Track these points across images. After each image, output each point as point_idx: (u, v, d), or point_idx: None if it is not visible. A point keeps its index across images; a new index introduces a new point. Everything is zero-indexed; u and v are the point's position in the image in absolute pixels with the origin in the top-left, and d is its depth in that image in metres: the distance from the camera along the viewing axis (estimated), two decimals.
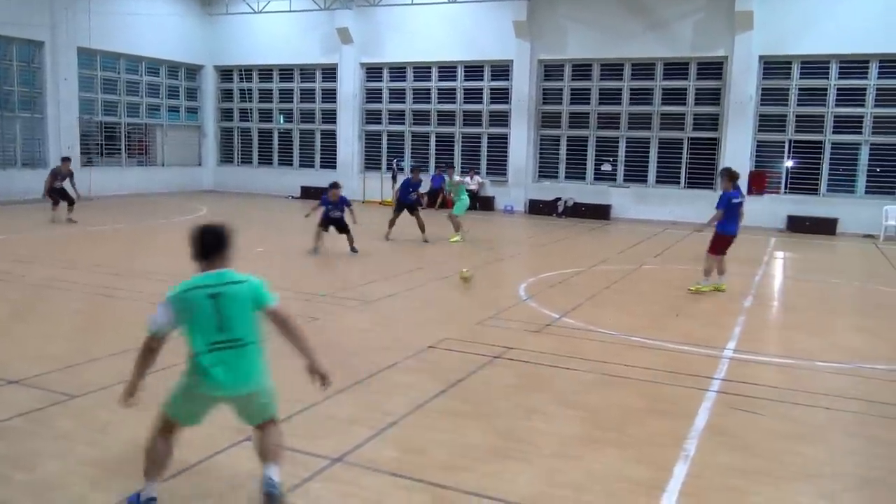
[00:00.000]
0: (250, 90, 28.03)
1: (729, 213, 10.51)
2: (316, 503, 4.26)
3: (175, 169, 26.94)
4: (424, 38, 24.28)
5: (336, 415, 5.64)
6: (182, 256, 13.86)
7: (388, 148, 25.92)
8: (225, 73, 28.45)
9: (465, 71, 24.47)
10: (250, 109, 28.14)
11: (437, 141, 25.18)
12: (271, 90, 27.63)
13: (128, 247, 14.24)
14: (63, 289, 9.85)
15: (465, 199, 16.64)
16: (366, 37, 25.04)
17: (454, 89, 24.70)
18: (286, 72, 27.25)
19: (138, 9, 24.36)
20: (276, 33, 26.48)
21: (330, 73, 26.34)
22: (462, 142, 24.87)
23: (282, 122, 27.79)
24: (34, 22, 21.50)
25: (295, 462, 4.74)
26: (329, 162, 26.64)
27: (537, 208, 23.33)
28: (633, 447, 5.20)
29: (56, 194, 16.74)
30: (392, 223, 15.89)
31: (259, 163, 28.29)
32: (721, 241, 10.68)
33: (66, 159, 17.41)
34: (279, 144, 27.81)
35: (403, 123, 25.60)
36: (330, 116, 26.61)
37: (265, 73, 27.65)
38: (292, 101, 27.34)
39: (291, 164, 27.59)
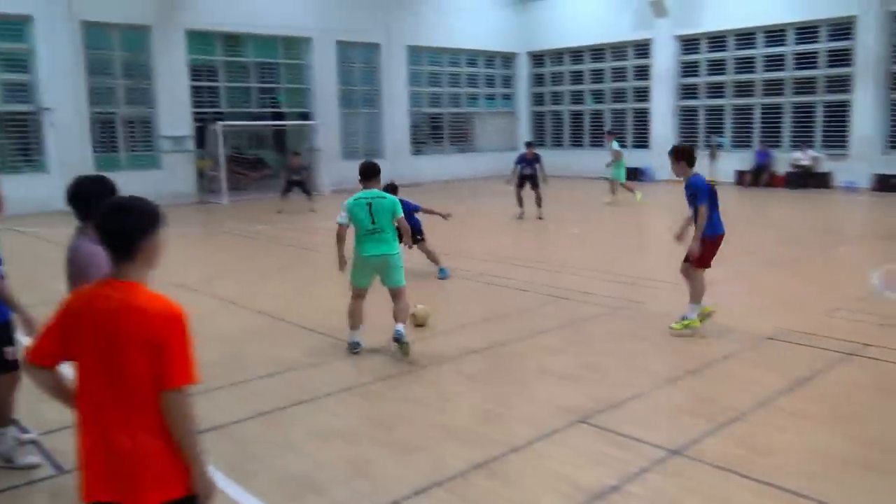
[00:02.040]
0: (561, 73, 28.38)
1: (713, 206, 7.14)
2: (657, 495, 4.11)
3: (491, 154, 28.28)
4: (747, 3, 22.38)
5: (669, 404, 5.42)
6: (496, 237, 14.52)
7: (705, 124, 24.48)
8: (537, 59, 29.14)
9: (797, 33, 22.10)
10: (562, 92, 28.50)
11: (762, 113, 23.15)
12: (582, 71, 27.67)
13: (451, 228, 15.24)
14: (405, 266, 10.81)
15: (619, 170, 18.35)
16: (681, 8, 23.82)
17: (782, 55, 22.45)
18: (597, 52, 27.06)
19: (459, 4, 25.92)
20: (586, 14, 26.38)
21: (642, 49, 25.57)
22: (792, 112, 22.56)
23: (591, 103, 27.71)
24: (371, 27, 23.98)
25: (629, 449, 4.64)
26: (642, 141, 25.96)
27: (888, 184, 20.25)
28: None
29: (290, 186, 17.84)
30: (520, 201, 15.82)
31: (570, 145, 28.56)
32: (712, 248, 7.18)
33: (296, 154, 18.85)
34: (590, 126, 27.78)
35: (723, 96, 23.94)
36: (642, 94, 25.87)
37: (576, 54, 27.76)
38: (603, 82, 27.10)
39: (602, 145, 27.39)
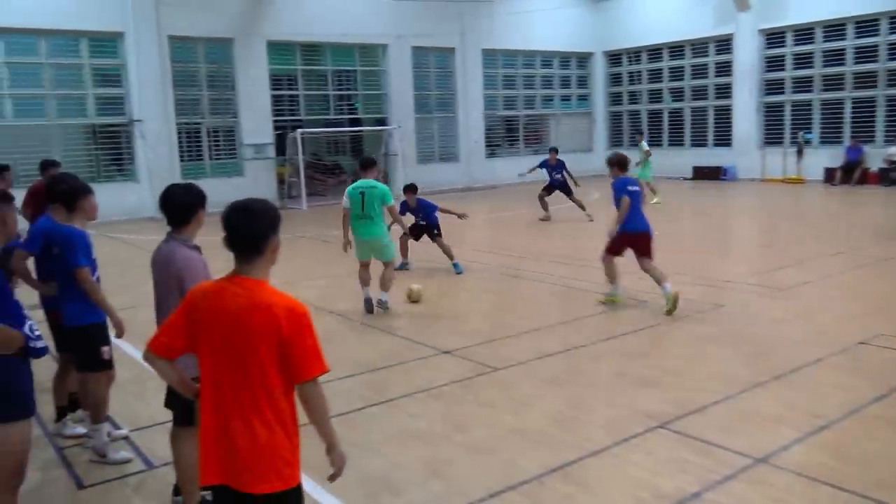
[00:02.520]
0: (639, 72, 27.84)
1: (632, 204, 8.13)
2: None
3: (567, 155, 27.77)
4: None
5: (755, 410, 5.22)
6: (579, 240, 14.34)
7: (791, 120, 23.55)
8: (614, 58, 28.67)
9: (890, 23, 21.01)
10: (639, 91, 27.95)
11: (853, 107, 22.11)
12: (660, 69, 27.06)
13: (530, 231, 15.17)
14: (477, 270, 10.83)
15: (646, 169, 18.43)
16: (765, 1, 22.99)
17: (875, 46, 21.39)
18: (676, 49, 26.41)
19: (533, 6, 25.76)
20: (665, 11, 25.77)
21: (724, 44, 24.81)
22: (886, 105, 21.46)
23: (669, 101, 27.06)
24: (446, 31, 24.11)
25: (712, 456, 4.50)
26: (723, 139, 25.18)
27: None
28: None
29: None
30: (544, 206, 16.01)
31: (648, 144, 27.91)
32: (623, 239, 8.25)
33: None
34: (669, 124, 27.14)
35: (811, 91, 22.98)
36: (724, 91, 25.10)
37: (654, 52, 27.17)
38: (682, 79, 26.43)
39: (682, 145, 26.73)
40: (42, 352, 3.53)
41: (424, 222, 10.88)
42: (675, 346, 6.87)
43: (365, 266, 8.45)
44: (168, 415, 4.01)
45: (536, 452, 4.65)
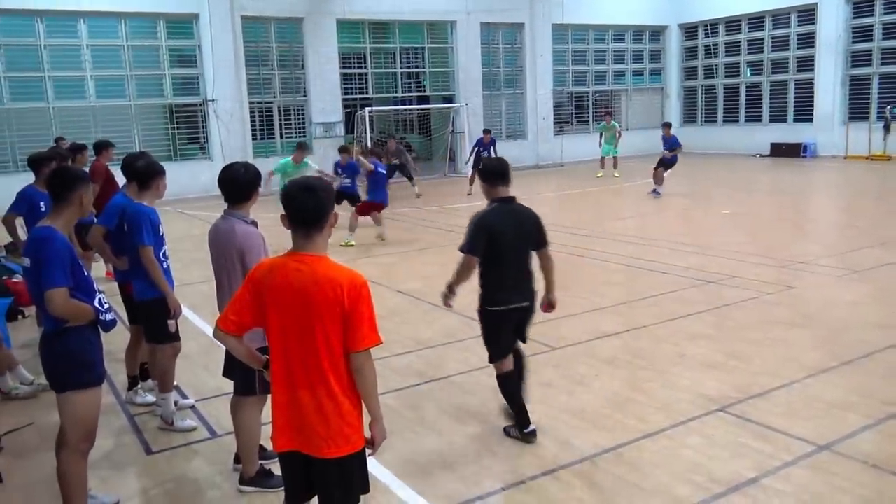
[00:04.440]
0: (716, 45, 26.88)
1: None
2: (801, 491, 3.85)
3: (638, 132, 27.28)
4: None
5: (821, 396, 5.05)
6: (643, 218, 14.02)
7: (879, 93, 22.37)
8: (689, 31, 27.75)
9: None
10: (716, 65, 27.01)
11: None
12: (739, 42, 26.05)
13: (594, 209, 14.95)
14: None
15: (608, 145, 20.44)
16: None
17: None
18: (756, 20, 25.36)
19: None
20: None
21: (807, 15, 23.71)
22: None
23: (748, 75, 26.07)
24: (516, 6, 23.79)
25: (772, 441, 4.39)
26: (804, 114, 24.12)
27: None
28: None
29: (392, 170, 17.21)
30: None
31: (724, 121, 27.06)
32: (369, 207, 11.67)
33: (391, 137, 18.41)
34: (746, 100, 26.15)
35: None
36: (806, 64, 24.02)
37: (732, 24, 26.15)
38: (762, 52, 25.38)
39: (760, 120, 25.75)
40: (111, 324, 3.71)
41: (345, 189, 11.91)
42: (741, 328, 6.68)
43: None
44: (232, 385, 4.15)
45: (591, 433, 4.63)
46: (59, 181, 3.63)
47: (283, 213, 2.76)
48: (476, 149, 17.73)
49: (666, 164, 15.87)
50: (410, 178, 17.12)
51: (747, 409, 4.86)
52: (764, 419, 4.69)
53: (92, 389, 3.65)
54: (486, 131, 18.10)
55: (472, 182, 16.40)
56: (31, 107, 17.60)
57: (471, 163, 17.76)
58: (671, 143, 15.90)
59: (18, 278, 7.62)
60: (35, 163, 6.46)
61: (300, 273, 2.71)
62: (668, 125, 16.62)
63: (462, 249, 4.55)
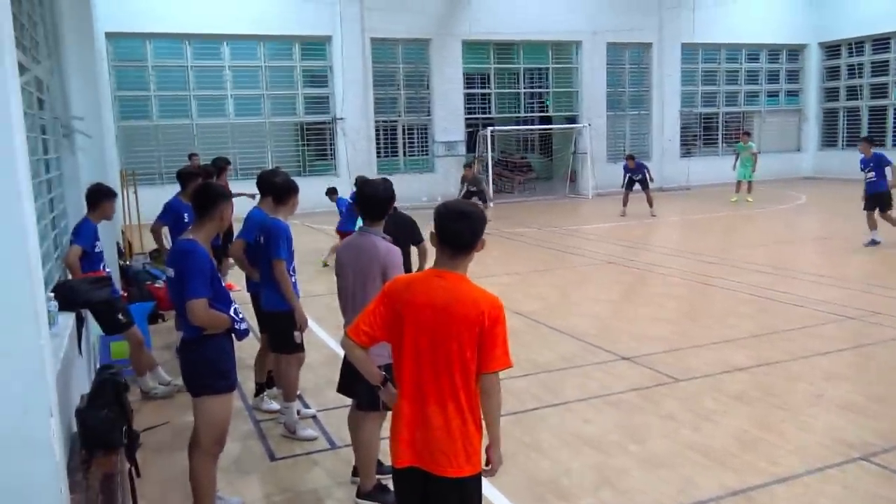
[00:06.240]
0: (860, 64, 25.26)
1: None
2: None
3: (773, 155, 25.96)
4: None
5: None
6: (778, 247, 13.32)
7: None
8: (831, 50, 26.23)
9: None
10: (860, 86, 25.37)
11: None
12: (887, 61, 24.37)
13: (723, 236, 14.34)
14: (665, 274, 10.43)
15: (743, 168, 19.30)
16: None
17: None
18: None
19: None
20: None
21: None
22: None
23: None
24: (644, 25, 23.32)
25: None
26: None
27: None
28: None
29: (469, 197, 16.76)
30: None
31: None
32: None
33: (468, 166, 17.38)
34: (894, 123, 24.38)
35: None
36: None
37: (880, 42, 24.49)
38: None
39: None
40: (245, 333, 3.88)
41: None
42: (885, 369, 6.18)
43: None
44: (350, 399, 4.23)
45: (716, 472, 4.39)
46: (204, 197, 3.85)
47: (433, 231, 2.81)
48: (625, 172, 17.22)
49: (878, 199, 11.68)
50: (485, 203, 17.16)
51: (892, 460, 4.47)
52: None
53: (225, 395, 3.83)
54: (629, 157, 17.42)
55: (624, 203, 16.96)
56: (177, 123, 18.89)
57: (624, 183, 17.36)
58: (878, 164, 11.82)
59: (160, 284, 8.14)
60: (183, 177, 6.91)
61: (442, 291, 2.74)
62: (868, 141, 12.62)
63: None
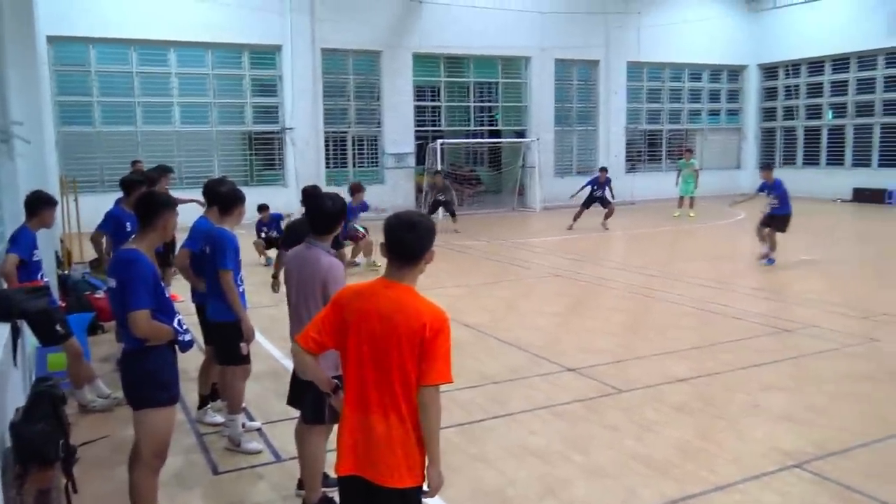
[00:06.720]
0: (797, 86, 26.23)
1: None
2: None
3: (713, 172, 26.68)
4: None
5: None
6: (718, 261, 13.67)
7: None
8: (769, 71, 27.18)
9: None
10: (796, 107, 26.33)
11: None
12: (821, 83, 25.37)
13: (666, 250, 14.67)
14: (610, 287, 10.62)
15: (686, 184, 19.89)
16: None
17: None
18: (840, 62, 24.67)
19: (684, 16, 24.91)
20: (829, 21, 24.12)
21: (895, 57, 22.97)
22: None
23: (831, 117, 25.31)
24: (591, 43, 23.78)
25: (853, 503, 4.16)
26: (890, 159, 23.24)
27: None
28: None
29: (436, 206, 17.38)
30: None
31: (803, 163, 26.30)
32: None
33: (437, 173, 17.92)
34: (828, 143, 25.36)
35: None
36: (893, 107, 23.20)
37: (815, 65, 25.50)
38: (846, 94, 24.64)
39: (842, 164, 24.92)
40: (189, 345, 3.82)
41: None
42: (820, 380, 6.40)
43: None
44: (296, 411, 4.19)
45: (658, 481, 4.49)
46: (148, 206, 3.78)
47: (383, 241, 2.83)
48: (590, 186, 17.31)
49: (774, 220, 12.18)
50: (453, 215, 17.47)
51: (826, 467, 4.64)
52: (844, 479, 4.46)
53: (167, 408, 3.76)
54: (602, 169, 17.80)
55: (576, 218, 16.83)
56: (120, 130, 18.44)
57: (580, 196, 17.36)
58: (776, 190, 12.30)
59: (100, 294, 7.94)
60: (127, 185, 6.77)
61: (388, 300, 2.76)
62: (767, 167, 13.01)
63: None
